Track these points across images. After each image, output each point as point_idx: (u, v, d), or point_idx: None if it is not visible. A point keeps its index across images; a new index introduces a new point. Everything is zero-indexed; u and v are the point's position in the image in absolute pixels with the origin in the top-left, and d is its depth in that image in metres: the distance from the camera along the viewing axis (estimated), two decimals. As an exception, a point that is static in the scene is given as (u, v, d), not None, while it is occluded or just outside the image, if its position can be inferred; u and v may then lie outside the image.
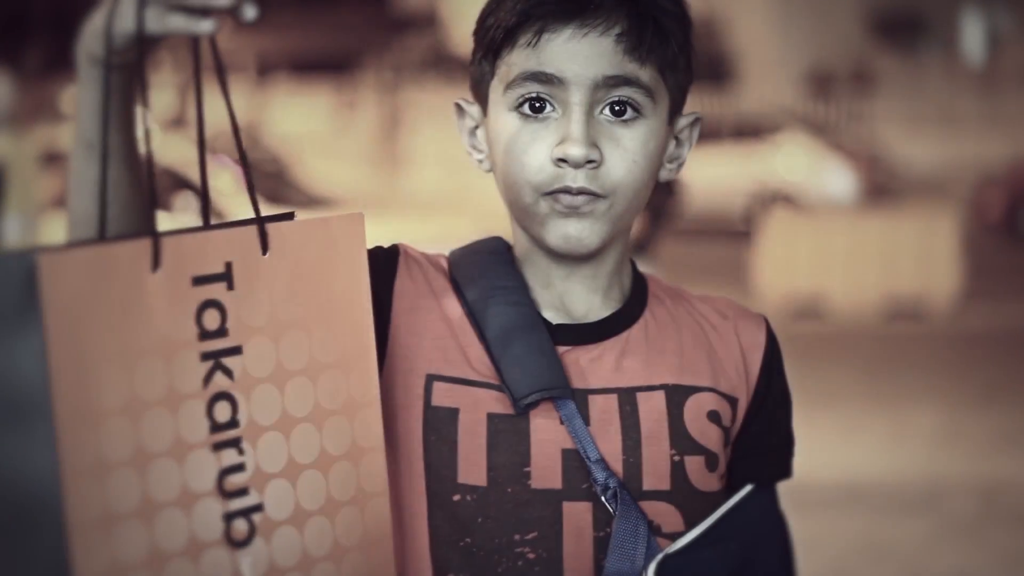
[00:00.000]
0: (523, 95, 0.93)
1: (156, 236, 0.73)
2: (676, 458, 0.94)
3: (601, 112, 0.93)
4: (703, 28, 14.56)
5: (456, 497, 0.92)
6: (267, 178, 6.87)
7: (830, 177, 11.73)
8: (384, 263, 0.95)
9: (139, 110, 0.80)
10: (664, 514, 0.93)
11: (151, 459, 0.71)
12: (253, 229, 0.78)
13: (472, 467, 0.91)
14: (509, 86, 0.93)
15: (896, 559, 3.66)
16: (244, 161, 0.81)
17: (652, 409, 0.94)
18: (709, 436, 0.95)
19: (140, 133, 0.80)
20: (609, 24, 0.91)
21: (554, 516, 0.91)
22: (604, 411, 0.93)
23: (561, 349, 0.94)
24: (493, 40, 0.94)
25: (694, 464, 0.94)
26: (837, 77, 15.75)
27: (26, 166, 4.46)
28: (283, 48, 17.19)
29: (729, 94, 15.03)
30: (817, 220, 8.71)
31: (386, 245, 0.98)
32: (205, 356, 0.75)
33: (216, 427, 0.75)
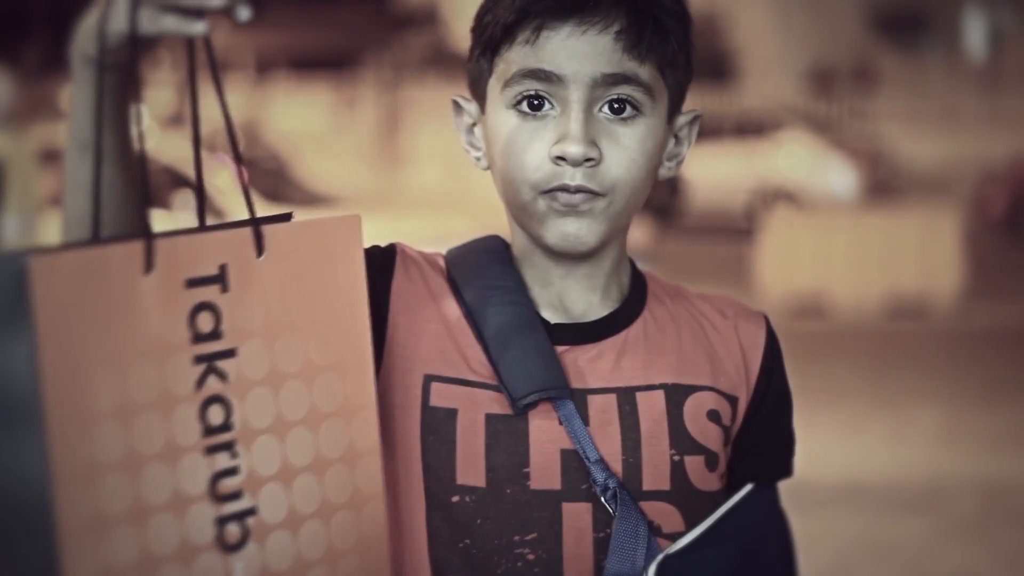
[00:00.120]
0: (521, 93, 0.92)
1: (149, 238, 0.73)
2: (676, 458, 0.93)
3: (600, 110, 0.92)
4: (704, 25, 14.55)
5: (455, 498, 0.91)
6: (266, 176, 6.87)
7: (832, 175, 11.73)
8: (381, 263, 0.95)
9: (133, 111, 0.80)
10: (664, 514, 0.93)
11: (143, 463, 0.71)
12: (248, 231, 0.78)
13: (471, 468, 0.91)
14: (507, 84, 0.93)
15: (897, 558, 3.66)
16: (239, 162, 0.81)
17: (651, 409, 0.94)
18: (709, 435, 0.95)
19: (134, 133, 0.80)
20: (608, 21, 0.91)
21: (553, 517, 0.91)
22: (603, 411, 0.93)
23: (560, 349, 0.94)
24: (491, 37, 0.93)
25: (694, 464, 0.94)
26: (839, 74, 15.73)
27: (25, 164, 4.45)
28: (282, 46, 17.20)
29: (730, 91, 15.02)
30: (819, 218, 8.71)
31: (383, 244, 0.97)
32: (198, 359, 0.74)
33: (209, 430, 0.74)
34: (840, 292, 7.77)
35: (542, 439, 0.91)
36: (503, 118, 0.93)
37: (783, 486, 1.01)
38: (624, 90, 0.92)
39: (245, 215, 0.79)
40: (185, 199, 5.95)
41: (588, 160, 0.91)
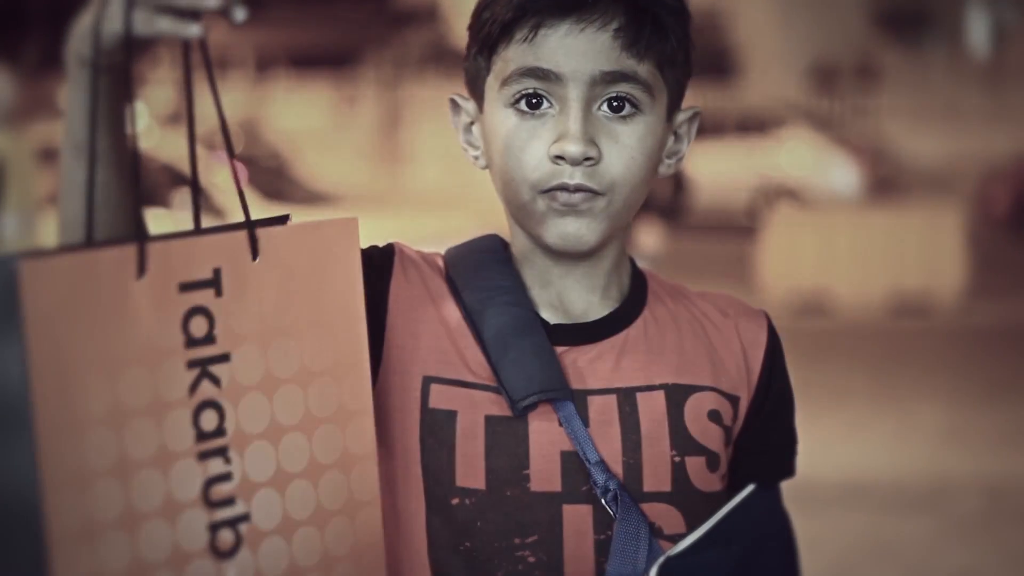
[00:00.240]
0: (520, 91, 0.92)
1: (142, 242, 0.72)
2: (677, 459, 0.93)
3: (599, 108, 0.92)
4: (706, 22, 14.55)
5: (454, 501, 0.91)
6: (266, 174, 6.87)
7: (834, 172, 11.72)
8: (379, 263, 0.94)
9: (128, 112, 0.80)
10: (665, 516, 0.92)
11: (135, 468, 0.70)
12: (243, 234, 0.77)
13: (470, 470, 0.91)
14: (505, 82, 0.92)
15: (901, 557, 3.65)
16: (234, 165, 0.81)
17: (652, 409, 0.93)
18: (710, 436, 0.94)
19: (129, 135, 0.79)
20: (607, 19, 0.90)
21: (554, 519, 0.91)
22: (603, 412, 0.92)
23: (559, 350, 0.93)
24: (489, 35, 0.93)
25: (695, 464, 0.94)
26: (841, 71, 15.72)
27: (24, 163, 4.45)
28: (282, 43, 17.21)
29: (732, 88, 15.02)
30: (821, 215, 8.71)
31: (381, 244, 0.97)
32: (191, 364, 0.74)
33: (202, 436, 0.74)
34: (843, 290, 7.77)
35: (542, 441, 0.91)
36: (501, 117, 0.93)
37: (785, 485, 1.01)
38: (623, 88, 0.91)
39: (243, 215, 0.78)
40: (185, 197, 5.94)
41: (587, 159, 0.90)
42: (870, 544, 3.75)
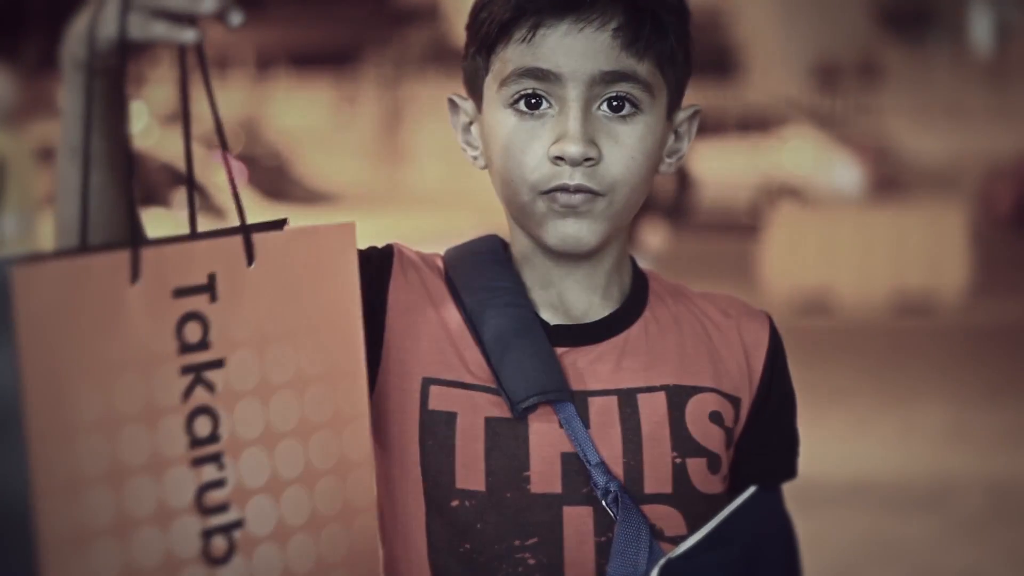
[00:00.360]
0: (519, 92, 0.91)
1: (136, 247, 0.72)
2: (678, 460, 0.93)
3: (598, 108, 0.91)
4: (708, 20, 14.54)
5: (454, 503, 0.91)
6: (267, 173, 6.87)
7: (837, 170, 11.71)
8: (378, 264, 0.94)
9: (124, 115, 0.79)
10: (666, 517, 0.92)
11: (127, 475, 0.70)
12: (238, 239, 0.77)
13: (470, 472, 0.90)
14: (504, 82, 0.92)
15: (904, 557, 3.64)
16: (230, 169, 0.80)
17: (653, 410, 0.93)
18: (711, 437, 0.94)
19: (125, 138, 0.79)
20: (606, 18, 0.90)
21: (554, 521, 0.90)
22: (604, 413, 0.92)
23: (560, 351, 0.93)
24: (487, 35, 0.92)
25: (696, 466, 0.93)
26: (844, 69, 15.71)
27: (24, 162, 4.44)
28: (283, 42, 17.21)
29: (734, 87, 15.01)
30: (824, 214, 8.70)
31: (380, 245, 0.96)
32: (185, 370, 0.73)
33: (196, 442, 0.74)
34: (846, 289, 7.76)
35: (542, 442, 0.91)
36: (500, 117, 0.92)
37: (787, 485, 1.00)
38: (623, 88, 0.91)
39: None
40: (184, 198, 5.93)
41: (587, 159, 0.90)
42: (873, 544, 3.74)
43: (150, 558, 0.70)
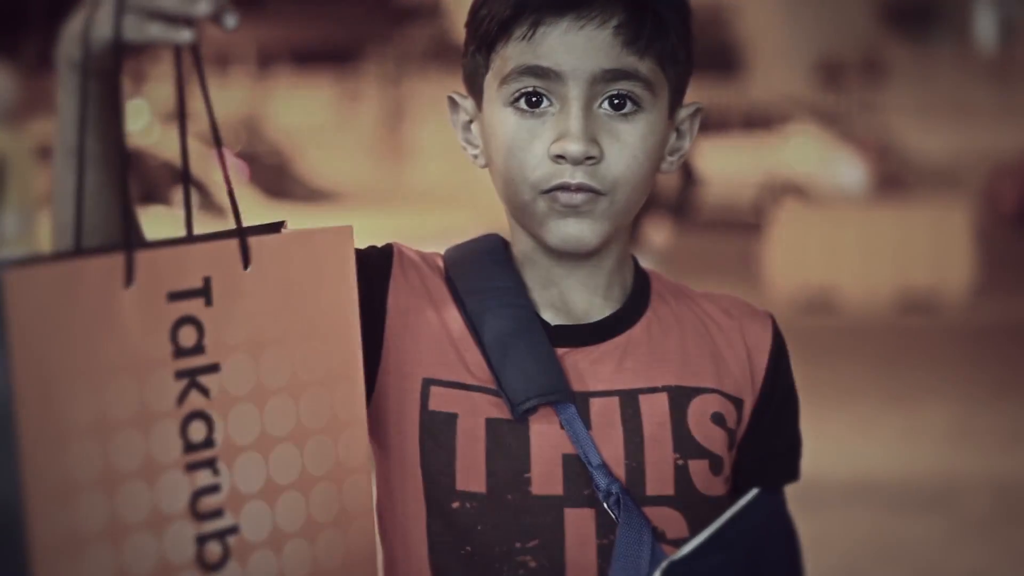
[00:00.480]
0: (519, 90, 0.90)
1: (130, 251, 0.71)
2: (680, 462, 0.92)
3: (600, 106, 0.90)
4: (710, 17, 14.52)
5: (455, 504, 0.90)
6: (268, 171, 6.86)
7: (841, 168, 11.69)
8: (378, 264, 0.93)
9: (119, 116, 0.79)
10: (668, 520, 0.91)
11: (120, 480, 0.69)
12: (234, 242, 0.76)
13: (471, 474, 0.90)
14: (504, 80, 0.91)
15: (908, 558, 3.63)
16: (226, 172, 0.80)
17: (655, 412, 0.92)
18: (713, 439, 0.93)
19: (120, 140, 0.78)
20: (606, 16, 0.89)
21: (556, 523, 0.90)
22: (605, 414, 0.91)
23: (560, 351, 0.92)
24: (487, 33, 0.91)
25: (698, 468, 0.93)
26: (848, 66, 15.69)
27: (24, 160, 4.44)
28: (284, 39, 17.22)
29: (738, 84, 15.00)
30: (828, 212, 8.68)
31: (380, 245, 0.95)
32: (180, 374, 0.73)
33: (190, 447, 0.73)
34: (849, 287, 7.74)
35: (543, 444, 0.90)
36: (501, 116, 0.91)
37: (790, 486, 1.00)
38: (624, 86, 0.90)
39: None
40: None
41: (589, 158, 0.89)
42: (877, 544, 3.73)
43: (143, 564, 0.70)
